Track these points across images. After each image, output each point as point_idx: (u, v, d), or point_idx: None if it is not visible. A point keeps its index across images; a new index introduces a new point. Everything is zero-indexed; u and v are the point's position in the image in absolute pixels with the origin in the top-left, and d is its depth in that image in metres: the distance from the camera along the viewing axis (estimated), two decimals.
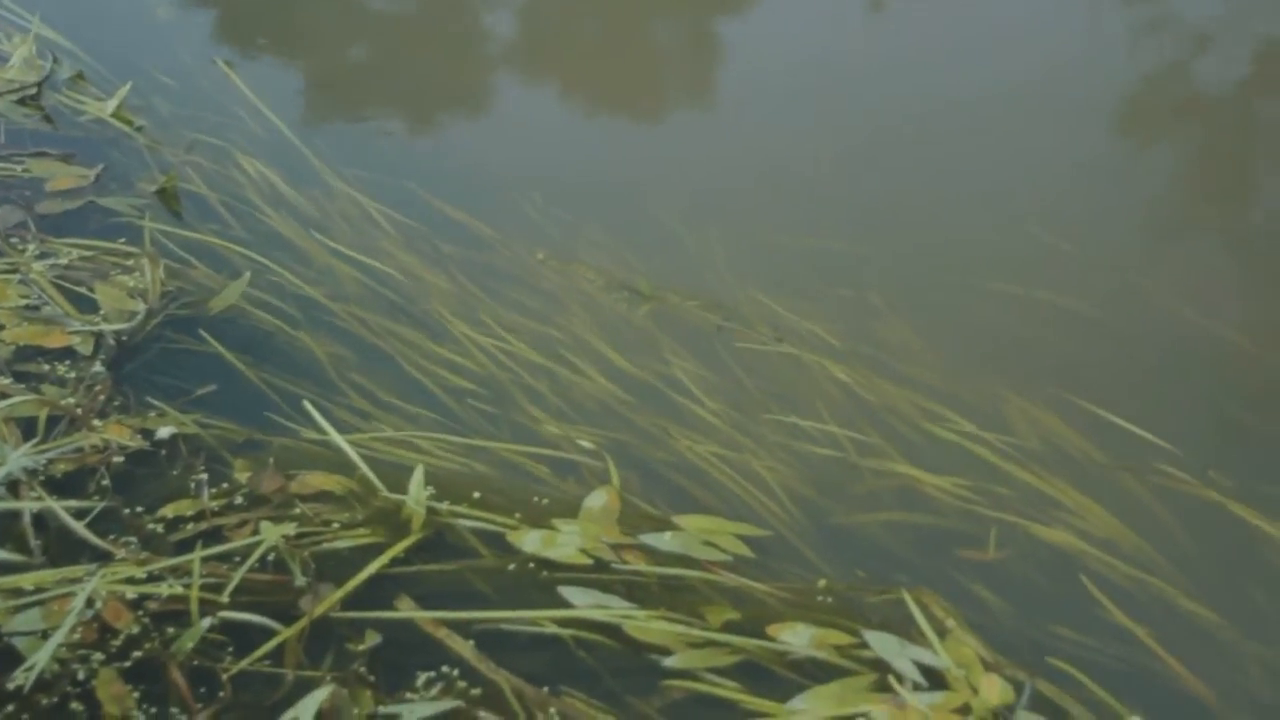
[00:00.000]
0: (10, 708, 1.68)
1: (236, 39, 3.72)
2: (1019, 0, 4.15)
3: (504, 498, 2.12)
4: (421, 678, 1.80)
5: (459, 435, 2.28)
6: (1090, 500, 2.21)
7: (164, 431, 2.17)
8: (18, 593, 1.83)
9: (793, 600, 1.98)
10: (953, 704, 1.79)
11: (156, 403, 2.24)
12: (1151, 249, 2.98)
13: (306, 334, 2.49)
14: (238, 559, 1.93)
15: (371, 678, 1.79)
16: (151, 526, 1.99)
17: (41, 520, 1.97)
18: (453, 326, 2.56)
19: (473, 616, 1.89)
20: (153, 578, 1.88)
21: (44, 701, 1.70)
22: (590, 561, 2.00)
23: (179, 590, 1.86)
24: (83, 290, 2.49)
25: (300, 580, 1.91)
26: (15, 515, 1.96)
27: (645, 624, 1.89)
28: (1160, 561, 2.11)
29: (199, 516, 2.02)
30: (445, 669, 1.81)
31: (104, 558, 1.91)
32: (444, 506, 2.07)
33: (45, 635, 1.77)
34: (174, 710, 1.72)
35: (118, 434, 2.14)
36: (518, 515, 2.08)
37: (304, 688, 1.74)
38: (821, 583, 2.03)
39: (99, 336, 2.37)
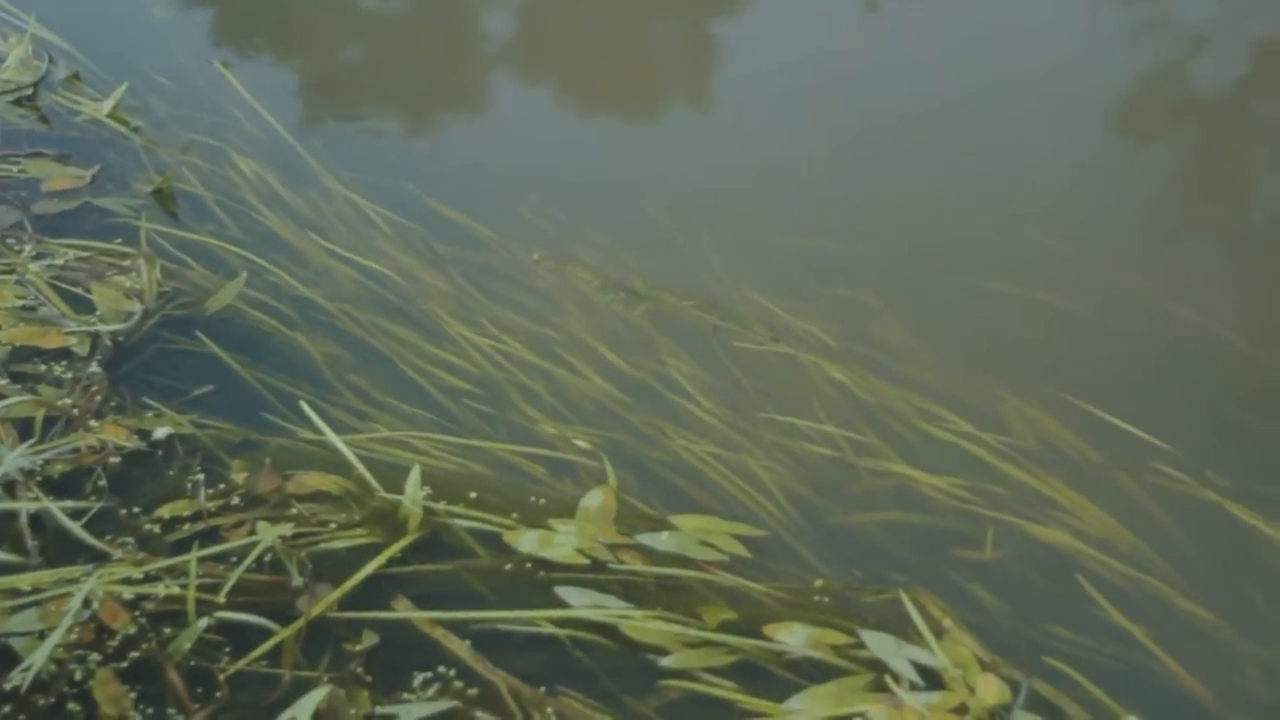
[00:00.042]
0: (7, 708, 1.68)
1: (233, 39, 3.72)
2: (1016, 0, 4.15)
3: (500, 498, 2.12)
4: (418, 678, 1.79)
5: (456, 435, 2.27)
6: (1087, 500, 2.21)
7: (160, 432, 2.17)
8: (15, 593, 1.83)
9: (789, 600, 1.98)
10: (949, 704, 1.79)
11: (153, 403, 2.24)
12: (1148, 249, 2.98)
13: (303, 334, 2.49)
14: (234, 559, 1.93)
15: (368, 678, 1.78)
16: (148, 527, 1.99)
17: (38, 521, 1.97)
18: (449, 327, 2.56)
19: (469, 616, 1.89)
20: (150, 578, 1.88)
21: (41, 702, 1.70)
22: (587, 561, 2.00)
23: (176, 591, 1.86)
24: (79, 291, 2.49)
25: (297, 580, 1.91)
26: (12, 516, 1.96)
27: (642, 624, 1.89)
28: (1157, 561, 2.12)
29: (196, 517, 2.02)
30: (442, 669, 1.81)
31: (101, 558, 1.91)
32: (440, 507, 2.07)
33: (42, 635, 1.76)
34: (171, 711, 1.72)
35: (114, 434, 2.14)
36: (514, 515, 2.07)
37: (301, 688, 1.74)
38: (818, 583, 2.03)
39: (95, 337, 2.37)
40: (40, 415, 2.15)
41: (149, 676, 1.76)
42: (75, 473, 2.07)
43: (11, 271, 2.50)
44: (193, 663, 1.78)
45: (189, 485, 2.08)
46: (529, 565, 2.00)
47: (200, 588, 1.86)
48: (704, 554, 2.04)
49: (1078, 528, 2.17)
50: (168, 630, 1.82)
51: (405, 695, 1.77)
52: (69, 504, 1.99)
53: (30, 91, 3.21)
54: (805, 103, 3.47)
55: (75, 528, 1.95)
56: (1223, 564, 2.13)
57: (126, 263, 2.59)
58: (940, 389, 2.45)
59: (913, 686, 1.82)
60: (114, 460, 2.10)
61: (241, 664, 1.78)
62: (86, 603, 1.82)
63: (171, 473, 2.11)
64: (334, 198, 2.94)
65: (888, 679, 1.82)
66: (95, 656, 1.77)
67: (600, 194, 3.04)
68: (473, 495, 2.11)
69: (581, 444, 2.28)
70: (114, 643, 1.79)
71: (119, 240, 2.67)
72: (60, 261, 2.57)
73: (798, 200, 3.05)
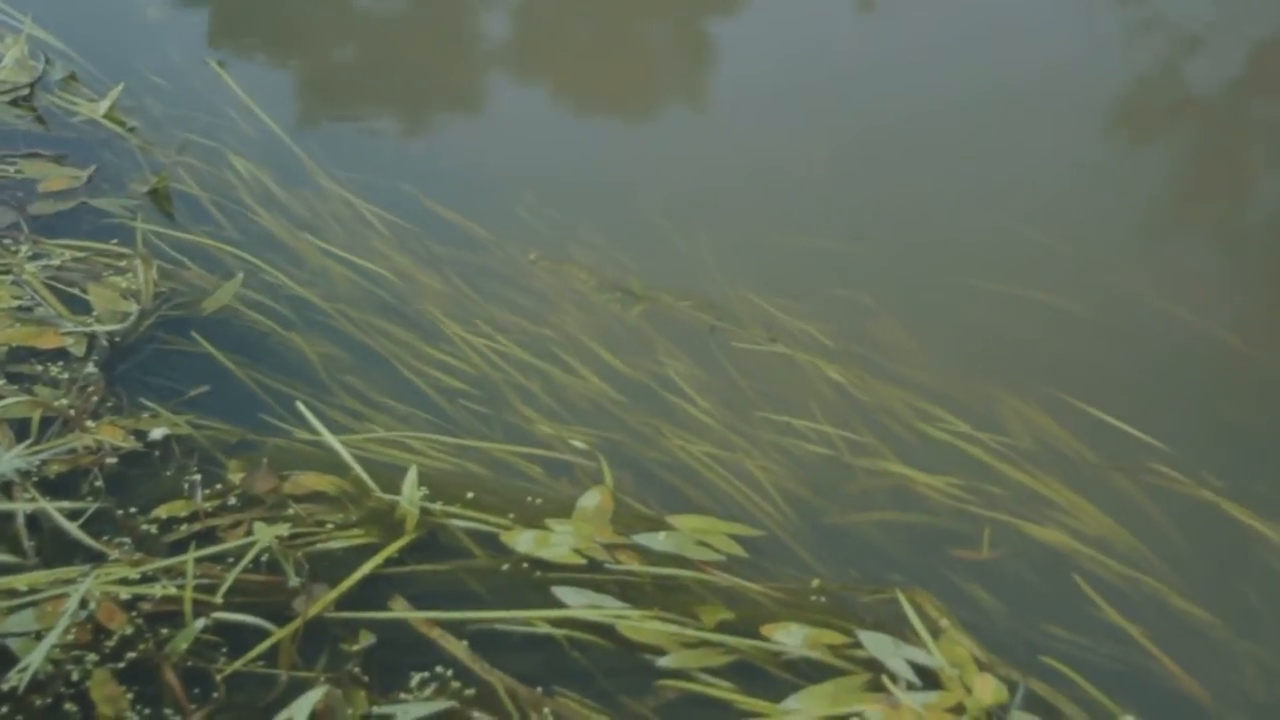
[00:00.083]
0: (5, 709, 1.67)
1: (228, 39, 3.72)
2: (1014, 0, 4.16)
3: (497, 498, 2.12)
4: (415, 678, 1.79)
5: (452, 436, 2.27)
6: (1084, 499, 2.21)
7: (157, 432, 2.16)
8: (12, 594, 1.82)
9: (786, 600, 1.98)
10: (946, 704, 1.79)
11: (149, 404, 2.24)
12: (1145, 249, 2.99)
13: (299, 335, 2.49)
14: (231, 560, 1.93)
15: (365, 678, 1.78)
16: (145, 527, 1.99)
17: (35, 521, 1.96)
18: (445, 327, 2.55)
19: (467, 617, 1.89)
20: (146, 579, 1.88)
21: (38, 702, 1.70)
22: (584, 561, 2.00)
23: (173, 591, 1.86)
24: (75, 291, 2.49)
25: (294, 581, 1.91)
26: (9, 517, 1.96)
27: (639, 624, 1.89)
28: (1153, 560, 2.12)
29: (192, 517, 2.01)
30: (439, 669, 1.81)
31: (98, 559, 1.91)
32: (437, 507, 2.07)
33: (39, 636, 1.76)
34: (168, 711, 1.72)
35: (111, 435, 2.14)
36: (511, 515, 2.07)
37: (298, 688, 1.74)
38: (815, 582, 2.03)
39: (92, 337, 2.37)
40: (37, 416, 2.15)
41: (146, 677, 1.76)
42: (72, 473, 2.06)
43: (8, 272, 2.49)
44: (190, 663, 1.78)
45: (186, 486, 2.07)
46: (526, 565, 1.99)
47: (197, 588, 1.86)
48: (701, 554, 2.04)
49: (1075, 527, 2.17)
50: (165, 631, 1.81)
51: (402, 695, 1.77)
52: (66, 505, 1.99)
53: (26, 92, 3.21)
54: (803, 102, 3.48)
55: (72, 528, 1.95)
56: (1219, 563, 2.13)
57: (123, 263, 2.59)
58: (937, 389, 2.45)
59: (910, 686, 1.82)
60: (111, 461, 2.10)
61: (238, 664, 1.78)
62: (83, 603, 1.82)
63: (168, 473, 2.10)
64: (330, 198, 2.94)
65: (885, 679, 1.82)
66: (92, 657, 1.77)
67: (597, 194, 3.04)
68: (469, 495, 2.11)
69: (578, 444, 2.28)
70: (111, 643, 1.79)
71: (115, 241, 2.67)
72: (57, 262, 2.56)
73: (795, 200, 3.05)
